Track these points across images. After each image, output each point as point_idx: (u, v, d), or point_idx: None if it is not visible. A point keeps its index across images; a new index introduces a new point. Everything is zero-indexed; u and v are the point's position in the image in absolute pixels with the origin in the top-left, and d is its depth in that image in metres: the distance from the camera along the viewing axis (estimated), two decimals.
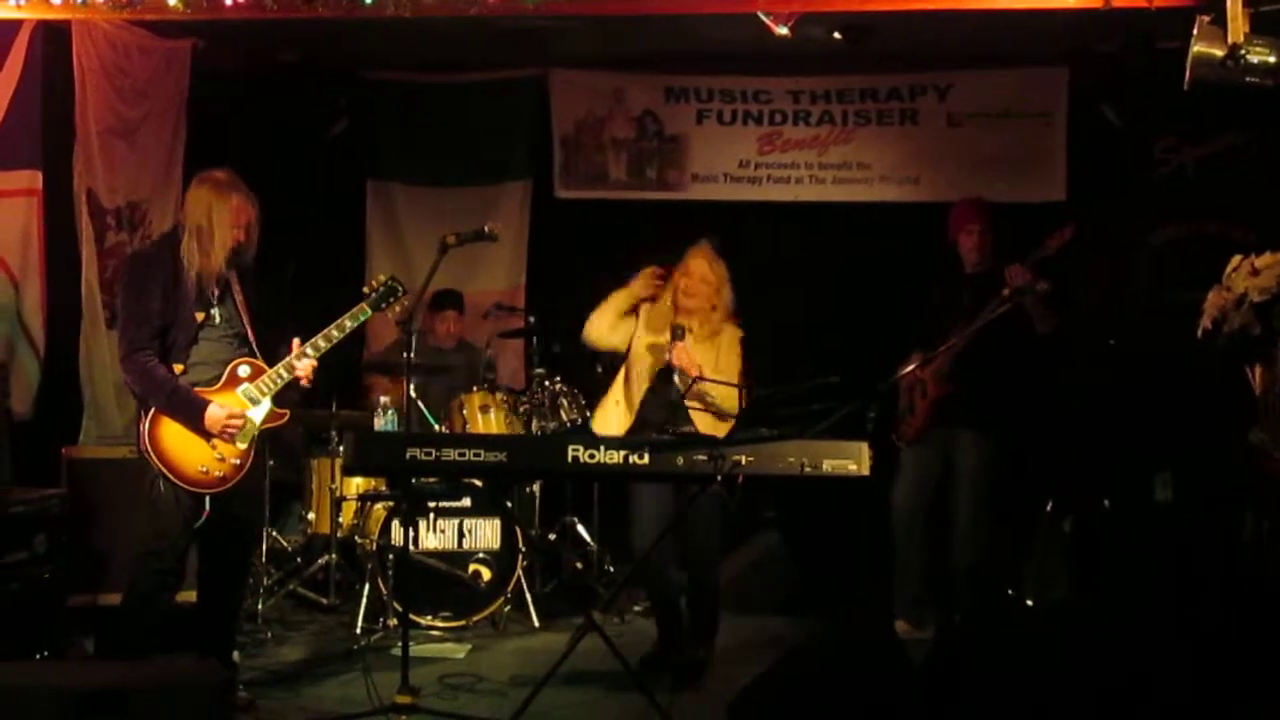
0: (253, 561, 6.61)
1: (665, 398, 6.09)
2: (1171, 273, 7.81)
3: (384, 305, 5.66)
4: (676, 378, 6.05)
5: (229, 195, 5.35)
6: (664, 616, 6.38)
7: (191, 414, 5.29)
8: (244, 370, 5.44)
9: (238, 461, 5.38)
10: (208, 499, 5.34)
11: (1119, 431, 7.46)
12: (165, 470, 5.28)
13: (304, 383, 5.53)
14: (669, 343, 6.08)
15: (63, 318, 6.85)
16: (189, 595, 5.75)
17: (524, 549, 7.15)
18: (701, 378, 5.95)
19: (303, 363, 5.45)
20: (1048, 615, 6.75)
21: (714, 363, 6.13)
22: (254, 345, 5.50)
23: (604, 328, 6.27)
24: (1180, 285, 6.59)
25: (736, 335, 6.28)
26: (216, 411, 5.30)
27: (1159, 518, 7.01)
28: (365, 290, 5.70)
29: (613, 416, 6.24)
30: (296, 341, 5.50)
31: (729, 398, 6.07)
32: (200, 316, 5.39)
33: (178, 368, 5.35)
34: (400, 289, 5.68)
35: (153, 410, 5.31)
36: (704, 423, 6.03)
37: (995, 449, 6.77)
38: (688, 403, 5.99)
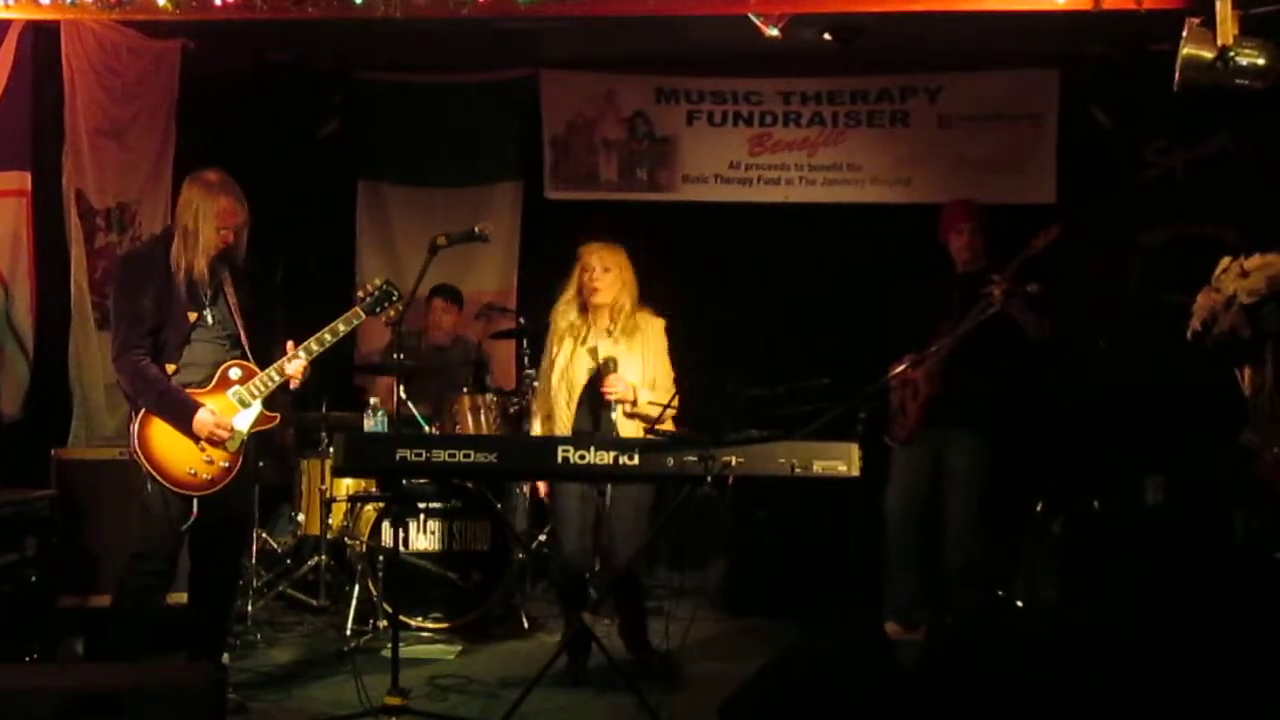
0: (243, 563, 6.60)
1: (604, 424, 6.03)
2: (1161, 274, 7.82)
3: (378, 309, 5.65)
4: (614, 412, 5.98)
5: (218, 197, 5.33)
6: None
7: (181, 416, 5.28)
8: (235, 373, 5.43)
9: (226, 465, 5.37)
10: (195, 501, 5.33)
11: (1110, 433, 7.47)
12: (153, 471, 5.27)
13: (294, 385, 5.53)
14: (599, 374, 6.01)
15: (52, 319, 6.83)
16: (180, 597, 5.75)
17: (514, 550, 7.15)
18: (635, 407, 5.97)
19: (294, 365, 5.45)
20: (1038, 617, 6.77)
21: (642, 366, 6.09)
22: (246, 347, 5.49)
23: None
24: (1170, 287, 6.60)
25: (658, 325, 6.22)
26: (206, 417, 5.29)
27: (1150, 519, 7.02)
28: (360, 294, 5.71)
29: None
30: (290, 344, 5.49)
31: (662, 388, 6.05)
32: (193, 317, 5.38)
33: (169, 368, 5.35)
34: (395, 293, 5.67)
35: (143, 411, 5.30)
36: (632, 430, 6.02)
37: (987, 450, 6.78)
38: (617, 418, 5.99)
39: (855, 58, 8.31)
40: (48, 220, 6.79)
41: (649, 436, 5.67)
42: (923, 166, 8.68)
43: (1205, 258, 5.55)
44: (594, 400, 6.06)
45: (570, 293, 6.23)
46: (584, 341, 6.15)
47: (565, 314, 6.22)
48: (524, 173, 9.13)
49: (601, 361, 6.01)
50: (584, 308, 6.19)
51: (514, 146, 9.15)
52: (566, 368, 6.15)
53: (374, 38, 7.87)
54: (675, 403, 5.93)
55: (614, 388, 5.94)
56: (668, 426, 5.90)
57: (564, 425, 6.12)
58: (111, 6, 6.35)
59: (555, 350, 6.23)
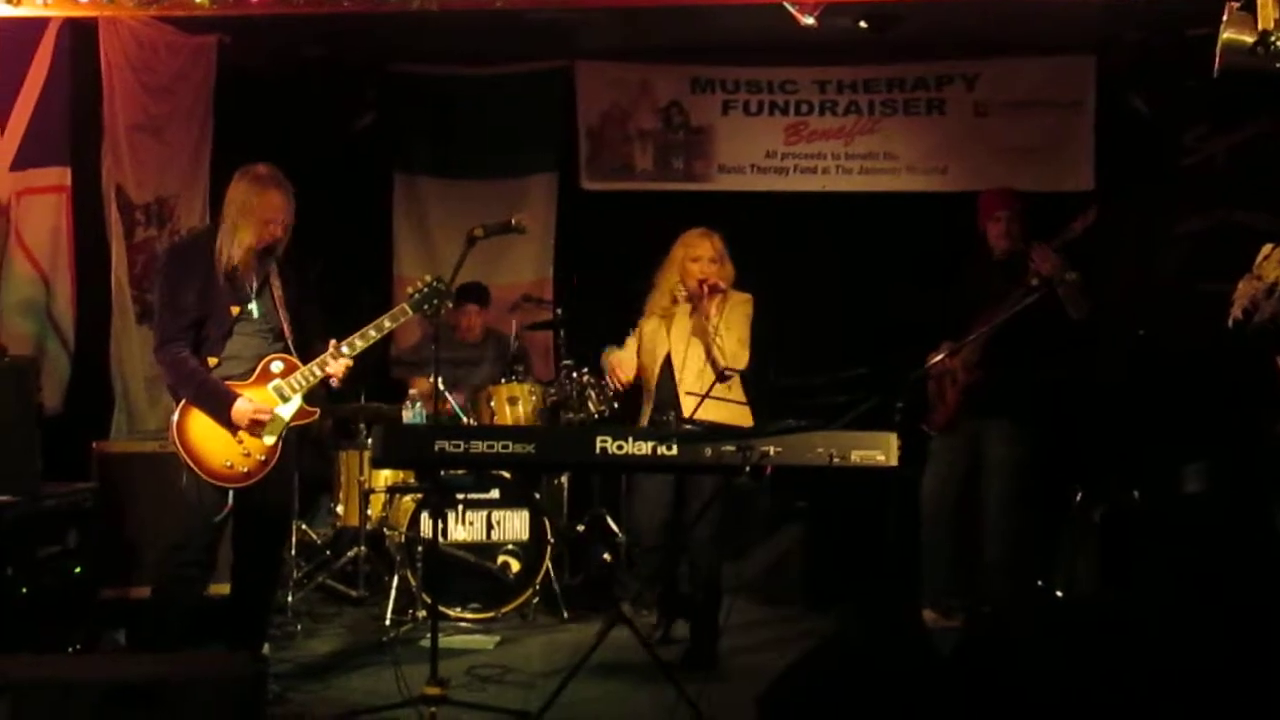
0: (284, 555, 6.63)
1: (663, 381, 6.22)
2: (1201, 262, 7.77)
3: (426, 307, 5.58)
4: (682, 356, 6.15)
5: (266, 191, 5.34)
6: (666, 603, 6.62)
7: (219, 406, 5.31)
8: (277, 366, 5.45)
9: (263, 458, 5.40)
10: (231, 494, 5.36)
11: (1149, 422, 7.43)
12: (190, 462, 5.31)
13: (334, 383, 5.54)
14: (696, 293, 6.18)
15: (93, 313, 6.87)
16: (222, 588, 5.78)
17: (552, 541, 7.16)
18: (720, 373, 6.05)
19: (337, 363, 5.46)
20: (1077, 607, 6.74)
21: (723, 324, 6.21)
22: (289, 341, 5.51)
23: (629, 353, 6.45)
24: (1210, 274, 6.55)
25: (745, 299, 6.32)
26: (244, 405, 5.32)
27: (1189, 509, 6.98)
28: (409, 290, 5.66)
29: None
30: (333, 342, 5.49)
31: (735, 355, 6.16)
32: (235, 310, 5.40)
33: (211, 361, 5.37)
34: (445, 290, 5.61)
35: (183, 402, 5.34)
36: (718, 412, 6.05)
37: (1026, 439, 6.75)
38: (690, 392, 6.04)
39: (891, 46, 8.28)
40: (87, 215, 6.82)
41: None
42: (959, 154, 8.65)
43: (1246, 244, 5.50)
44: (667, 363, 6.21)
45: (674, 279, 6.30)
46: (672, 321, 6.28)
47: (660, 302, 6.33)
48: (559, 164, 9.14)
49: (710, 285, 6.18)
50: (682, 288, 6.28)
51: (549, 138, 9.15)
52: (652, 337, 6.32)
53: (409, 30, 7.89)
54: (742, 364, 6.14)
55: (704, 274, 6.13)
56: (737, 397, 6.05)
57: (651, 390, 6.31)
58: (148, 3, 6.36)
59: (644, 324, 6.38)
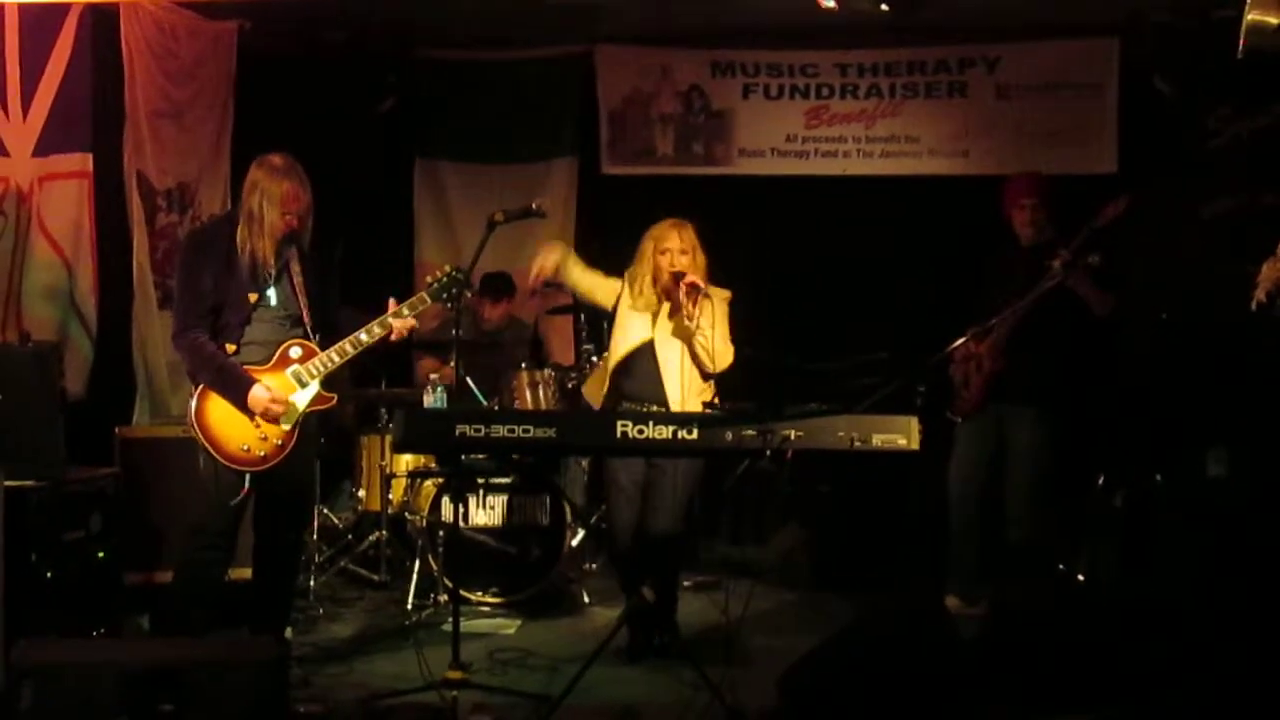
0: (305, 539, 6.65)
1: (642, 369, 6.08)
2: (1225, 245, 7.72)
3: (445, 296, 5.61)
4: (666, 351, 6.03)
5: (281, 181, 5.35)
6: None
7: (237, 391, 5.33)
8: (295, 352, 5.47)
9: (280, 442, 5.41)
10: (248, 477, 5.38)
11: (1172, 406, 7.39)
12: (208, 445, 5.33)
13: (394, 336, 5.54)
14: (673, 288, 6.01)
15: (115, 299, 6.89)
16: (244, 572, 5.81)
17: (573, 525, 7.16)
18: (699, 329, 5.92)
19: (400, 321, 5.48)
20: (1099, 591, 6.73)
21: (705, 323, 6.02)
22: (308, 327, 5.52)
23: (580, 279, 6.30)
24: (1234, 257, 6.50)
25: (724, 296, 6.13)
26: (260, 392, 5.34)
27: (1212, 493, 6.95)
28: (428, 279, 5.67)
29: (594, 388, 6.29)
30: (393, 301, 5.50)
31: (721, 355, 6.00)
32: (254, 298, 5.41)
33: (230, 348, 5.39)
34: (463, 280, 5.63)
35: (200, 386, 5.36)
36: (680, 395, 6.00)
37: (1050, 425, 6.73)
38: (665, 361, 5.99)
39: (912, 28, 8.25)
40: (109, 201, 6.85)
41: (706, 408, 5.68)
42: (981, 138, 8.62)
43: (1271, 227, 5.47)
44: (645, 364, 6.07)
45: (647, 275, 6.14)
46: (657, 316, 6.12)
47: (639, 293, 6.16)
48: (580, 148, 9.13)
49: (673, 273, 5.99)
50: (655, 285, 6.13)
51: (570, 122, 9.15)
52: (627, 324, 6.15)
53: (430, 15, 7.90)
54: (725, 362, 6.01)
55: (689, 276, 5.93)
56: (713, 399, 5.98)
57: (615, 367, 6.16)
58: None
59: (622, 324, 6.20)
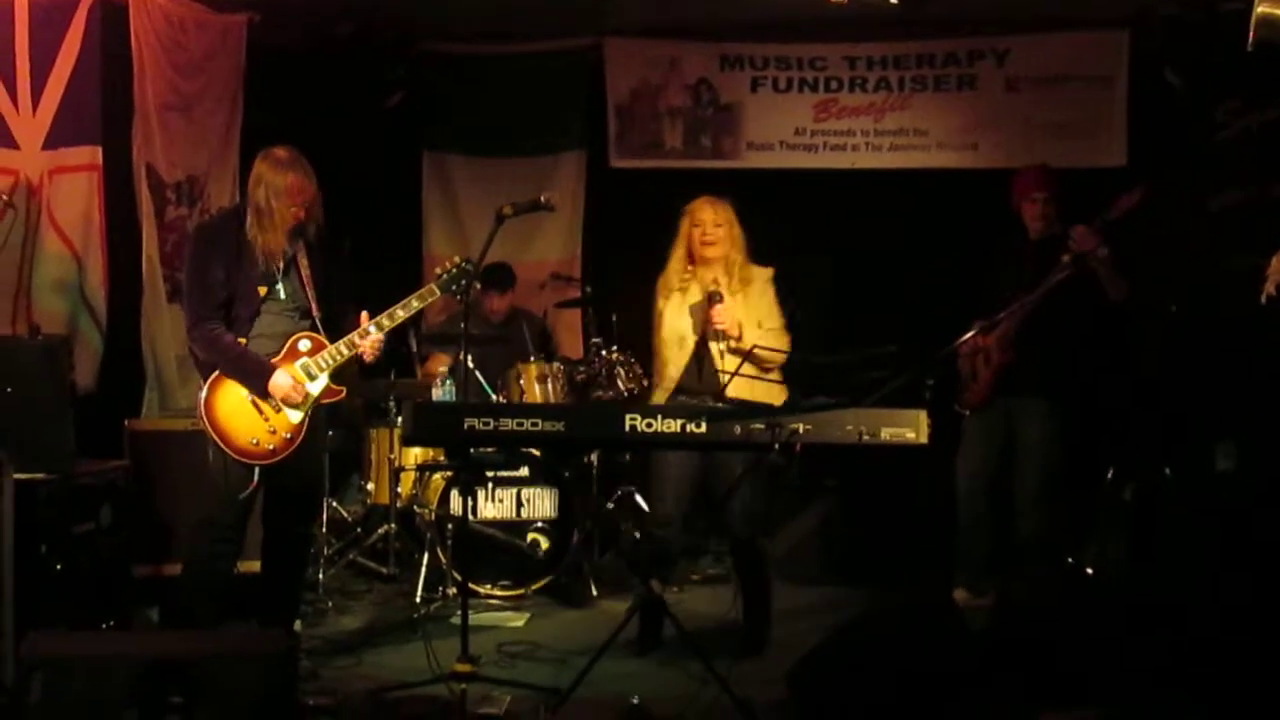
0: (315, 532, 6.66)
1: (705, 368, 6.01)
2: (1234, 238, 7.70)
3: (454, 287, 5.60)
4: (716, 345, 5.97)
5: (285, 174, 5.36)
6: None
7: (258, 378, 5.36)
8: (304, 344, 5.48)
9: (289, 435, 5.42)
10: (257, 470, 5.39)
11: (1180, 399, 7.39)
12: (216, 438, 5.34)
13: (368, 358, 5.56)
14: (705, 307, 5.98)
15: (124, 292, 6.90)
16: (253, 565, 5.82)
17: (581, 518, 7.17)
18: (747, 353, 5.78)
19: (367, 339, 5.48)
20: (1108, 584, 6.72)
21: (753, 315, 6.03)
22: (317, 320, 5.53)
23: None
24: (1243, 250, 6.48)
25: (767, 275, 6.16)
26: (283, 379, 5.36)
27: (1221, 486, 6.94)
28: (437, 271, 5.68)
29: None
30: (365, 315, 5.51)
31: (774, 345, 5.98)
32: (263, 290, 5.43)
33: (240, 341, 5.41)
34: (473, 271, 5.62)
35: (211, 378, 5.37)
36: (752, 391, 5.90)
37: (1059, 418, 6.72)
38: (726, 370, 5.91)
39: (921, 21, 8.24)
40: (118, 194, 6.85)
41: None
42: (990, 131, 8.61)
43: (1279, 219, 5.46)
44: (698, 350, 6.05)
45: (680, 250, 6.19)
46: (693, 295, 6.13)
47: (676, 271, 6.19)
48: (588, 142, 9.13)
49: (709, 293, 5.97)
50: (692, 263, 6.16)
51: (578, 115, 9.14)
52: (674, 319, 6.13)
53: (437, 8, 7.89)
54: (785, 349, 5.97)
55: (721, 318, 5.90)
56: (775, 377, 5.93)
57: (673, 377, 6.08)
58: None
59: (663, 305, 6.19)
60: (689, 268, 6.16)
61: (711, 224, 6.10)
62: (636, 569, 6.26)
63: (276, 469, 5.43)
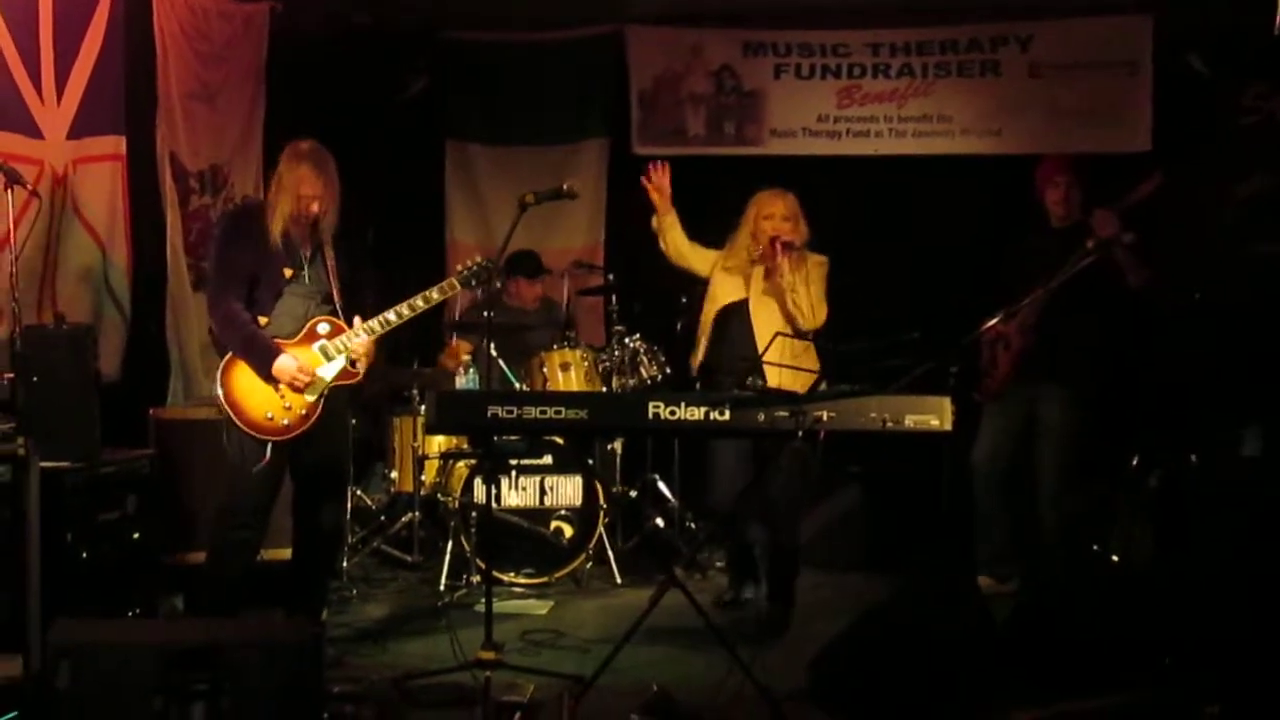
0: (344, 523, 6.67)
1: (737, 328, 6.24)
2: (1260, 223, 7.67)
3: (474, 283, 5.69)
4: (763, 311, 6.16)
5: (296, 166, 5.40)
6: (739, 568, 6.64)
7: (263, 360, 5.39)
8: (323, 327, 5.51)
9: (304, 412, 5.45)
10: (269, 447, 5.41)
11: (1206, 385, 7.36)
12: (232, 413, 5.37)
13: (360, 363, 5.57)
14: (770, 252, 6.20)
15: (149, 281, 6.92)
16: (278, 553, 5.84)
17: (605, 506, 7.18)
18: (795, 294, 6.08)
19: (354, 342, 5.51)
20: (1133, 571, 6.70)
21: (799, 282, 6.23)
22: (338, 306, 5.55)
23: (681, 242, 6.47)
24: (1269, 236, 6.47)
25: (820, 261, 6.36)
26: (287, 363, 5.38)
27: (1247, 472, 6.92)
28: (458, 268, 5.74)
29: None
30: (358, 319, 5.54)
31: (813, 311, 6.22)
32: (288, 273, 5.47)
33: (261, 320, 5.45)
34: (494, 269, 5.70)
35: (228, 355, 5.41)
36: (794, 380, 5.97)
37: (1080, 403, 6.69)
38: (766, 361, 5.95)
39: (944, 7, 8.21)
40: (142, 183, 6.87)
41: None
42: (1014, 117, 8.58)
43: None
44: (739, 323, 6.27)
45: (744, 234, 6.36)
46: (750, 279, 6.32)
47: (735, 254, 6.37)
48: (611, 129, 9.13)
49: (781, 241, 6.19)
50: (754, 247, 6.32)
51: (601, 103, 9.14)
52: (728, 296, 6.35)
53: None
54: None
55: (784, 267, 6.15)
56: (810, 363, 6.07)
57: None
58: None
59: (720, 281, 6.39)
60: (752, 260, 6.33)
61: (781, 218, 6.28)
62: (659, 556, 6.28)
63: (298, 452, 5.45)
